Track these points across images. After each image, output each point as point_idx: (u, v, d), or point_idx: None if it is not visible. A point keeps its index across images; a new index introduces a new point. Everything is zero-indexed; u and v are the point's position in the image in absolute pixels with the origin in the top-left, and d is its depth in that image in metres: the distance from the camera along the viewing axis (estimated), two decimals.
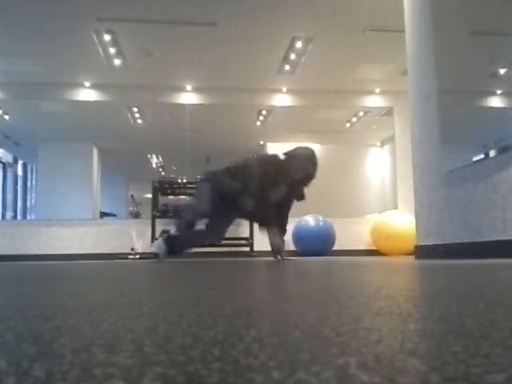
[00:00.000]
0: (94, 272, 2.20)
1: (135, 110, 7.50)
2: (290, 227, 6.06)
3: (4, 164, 8.57)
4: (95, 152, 8.01)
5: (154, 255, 3.66)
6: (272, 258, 3.78)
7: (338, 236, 6.46)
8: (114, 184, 8.77)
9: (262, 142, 8.23)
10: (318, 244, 6.26)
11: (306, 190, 3.78)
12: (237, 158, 3.86)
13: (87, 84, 6.88)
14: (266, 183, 3.57)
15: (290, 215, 3.94)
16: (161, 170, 8.69)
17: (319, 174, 3.71)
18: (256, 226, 4.28)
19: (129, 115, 7.59)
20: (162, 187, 6.61)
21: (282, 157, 3.70)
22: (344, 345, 0.37)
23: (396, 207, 7.29)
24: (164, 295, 0.90)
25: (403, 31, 4.38)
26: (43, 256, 6.38)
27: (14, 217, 8.65)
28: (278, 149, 7.83)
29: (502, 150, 3.31)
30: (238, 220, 4.28)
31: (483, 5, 3.40)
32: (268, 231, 3.68)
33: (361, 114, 7.84)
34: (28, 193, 8.84)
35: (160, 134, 8.11)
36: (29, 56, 5.99)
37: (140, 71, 6.49)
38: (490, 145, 3.55)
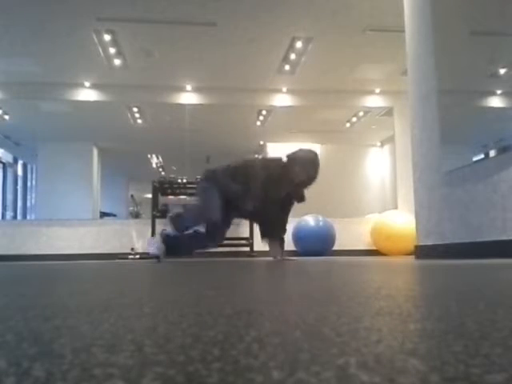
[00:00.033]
0: (94, 272, 2.20)
1: (135, 109, 7.50)
2: (290, 227, 6.07)
3: (4, 164, 8.57)
4: (95, 152, 8.01)
5: (155, 257, 3.63)
6: (271, 258, 3.78)
7: (338, 236, 6.46)
8: (114, 184, 8.77)
9: (261, 142, 8.23)
10: (318, 244, 6.26)
11: (306, 191, 3.78)
12: (238, 158, 3.84)
13: (87, 84, 6.89)
14: (270, 187, 3.54)
15: (290, 215, 3.94)
16: (161, 169, 8.69)
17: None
18: (256, 225, 4.25)
19: (129, 115, 7.59)
20: (162, 187, 6.61)
21: (284, 159, 3.69)
22: (344, 345, 0.37)
23: (396, 207, 7.29)
24: (164, 295, 0.90)
25: (403, 31, 4.38)
26: (43, 256, 6.38)
27: (14, 217, 8.65)
28: (278, 149, 7.92)
29: (501, 150, 3.31)
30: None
31: (483, 5, 3.40)
32: (269, 244, 3.67)
33: (361, 114, 7.84)
34: (28, 193, 8.84)
35: (160, 133, 8.11)
36: (29, 56, 5.99)
37: (140, 71, 6.49)
38: (490, 145, 3.55)
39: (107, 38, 5.53)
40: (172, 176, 6.90)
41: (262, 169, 3.62)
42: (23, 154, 8.66)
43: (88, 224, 6.99)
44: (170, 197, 6.83)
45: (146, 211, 7.35)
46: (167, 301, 0.76)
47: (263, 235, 3.75)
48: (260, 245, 5.62)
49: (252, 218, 4.04)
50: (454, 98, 3.84)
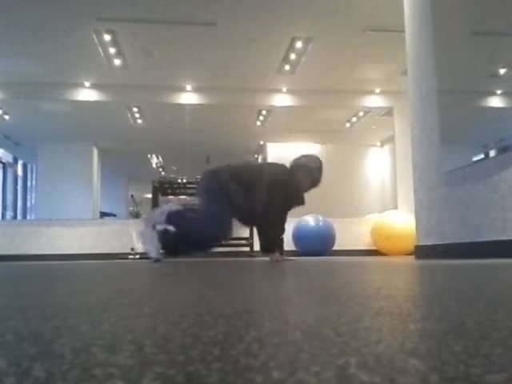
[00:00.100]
0: (94, 272, 2.20)
1: (135, 109, 7.50)
2: (290, 227, 6.07)
3: (4, 164, 8.58)
4: (95, 152, 8.01)
5: (154, 259, 3.56)
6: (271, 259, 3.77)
7: (338, 236, 6.46)
8: (114, 184, 8.78)
9: (261, 142, 8.23)
10: (318, 244, 6.26)
11: (306, 193, 3.78)
12: (238, 158, 3.82)
13: (87, 84, 6.89)
14: (274, 192, 3.51)
15: (290, 215, 3.93)
16: (161, 170, 8.69)
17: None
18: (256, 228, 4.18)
19: (129, 115, 7.59)
20: (162, 187, 6.62)
21: (288, 165, 3.69)
22: (344, 345, 0.37)
23: (396, 207, 7.29)
24: (164, 295, 0.90)
25: (403, 31, 4.38)
26: (43, 256, 6.38)
27: (14, 217, 8.65)
28: (278, 149, 7.91)
29: (501, 150, 3.31)
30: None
31: (483, 5, 3.40)
32: (269, 256, 3.65)
33: (361, 113, 7.84)
34: (28, 193, 8.84)
35: (160, 133, 8.11)
36: (29, 56, 5.99)
37: (140, 71, 6.49)
38: (490, 145, 3.54)
39: (107, 38, 5.54)
40: (172, 176, 6.91)
41: (269, 174, 3.59)
42: (23, 154, 8.66)
43: (88, 224, 6.99)
44: (170, 197, 6.83)
45: (146, 211, 7.35)
46: (167, 301, 0.76)
47: (263, 248, 3.71)
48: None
49: (251, 221, 3.98)
50: (454, 98, 3.84)
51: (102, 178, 8.12)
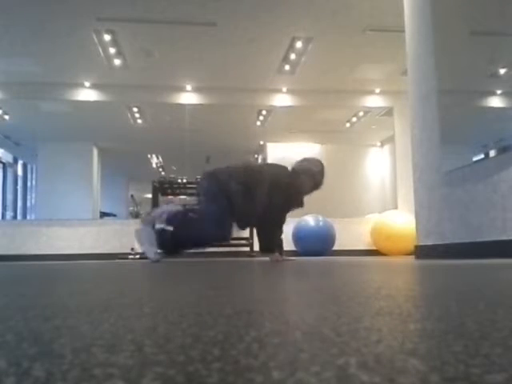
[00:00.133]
0: (94, 272, 2.20)
1: (135, 109, 7.50)
2: (290, 227, 6.07)
3: (4, 164, 8.58)
4: (95, 152, 8.01)
5: (154, 259, 3.55)
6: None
7: (338, 236, 6.46)
8: (114, 184, 8.78)
9: (261, 142, 8.23)
10: (318, 244, 6.26)
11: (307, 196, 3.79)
12: (239, 159, 3.82)
13: (87, 84, 6.89)
14: (275, 193, 3.51)
15: (289, 215, 3.93)
16: (161, 170, 8.69)
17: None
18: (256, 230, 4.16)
19: (129, 115, 7.59)
20: (162, 187, 6.62)
21: (290, 168, 3.69)
22: (344, 345, 0.37)
23: (396, 207, 7.29)
24: (164, 295, 0.90)
25: (403, 31, 4.38)
26: (43, 256, 6.38)
27: (14, 217, 8.65)
28: (278, 149, 7.91)
29: (501, 150, 3.31)
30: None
31: (483, 5, 3.40)
32: (269, 256, 3.65)
33: (361, 114, 7.84)
34: (28, 193, 8.84)
35: (160, 133, 8.11)
36: (29, 56, 5.99)
37: (140, 71, 6.49)
38: (490, 145, 3.54)
39: (107, 38, 5.54)
40: (172, 176, 6.91)
41: (271, 175, 3.59)
42: (23, 154, 8.66)
43: (88, 224, 6.99)
44: (170, 197, 6.83)
45: (146, 211, 7.34)
46: (167, 301, 0.76)
47: (263, 248, 3.72)
48: None
49: (250, 222, 3.97)
50: (454, 98, 3.84)
51: (102, 177, 8.12)
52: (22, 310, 0.65)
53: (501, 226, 3.02)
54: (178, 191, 6.80)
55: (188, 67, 6.52)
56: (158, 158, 8.78)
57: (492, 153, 3.50)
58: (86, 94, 6.97)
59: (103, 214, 7.97)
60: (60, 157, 7.78)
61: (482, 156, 3.60)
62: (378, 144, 8.43)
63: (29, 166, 8.86)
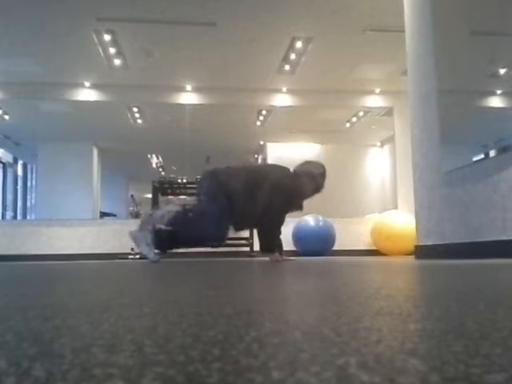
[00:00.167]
0: (94, 272, 2.20)
1: (135, 109, 7.50)
2: (290, 227, 6.07)
3: (4, 164, 8.58)
4: (95, 152, 8.02)
5: (154, 259, 3.55)
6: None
7: (338, 236, 6.46)
8: (114, 184, 8.78)
9: (262, 142, 8.23)
10: (318, 244, 6.26)
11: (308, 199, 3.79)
12: (239, 159, 3.82)
13: (87, 84, 6.89)
14: (275, 194, 3.51)
15: (290, 215, 3.93)
16: (161, 170, 8.69)
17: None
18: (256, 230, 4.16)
19: (129, 115, 7.59)
20: (162, 187, 6.62)
21: (292, 169, 3.69)
22: (344, 345, 0.37)
23: (396, 207, 7.29)
24: (164, 295, 0.90)
25: (403, 31, 4.38)
26: (43, 256, 6.38)
27: (14, 217, 8.65)
28: (278, 149, 7.90)
29: (501, 150, 3.31)
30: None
31: (483, 5, 3.40)
32: (269, 256, 3.65)
33: (361, 113, 7.84)
34: (28, 193, 8.84)
35: (160, 133, 8.11)
36: (29, 56, 5.99)
37: (140, 71, 6.49)
38: (490, 145, 3.54)
39: (107, 38, 5.54)
40: (172, 176, 6.91)
41: (272, 176, 3.58)
42: (23, 154, 8.67)
43: (88, 224, 6.99)
44: (170, 197, 6.83)
45: (146, 211, 7.34)
46: (167, 301, 0.76)
47: (263, 248, 3.72)
48: None
49: (248, 222, 3.97)
50: (454, 98, 3.84)
51: (102, 177, 8.12)
52: (21, 310, 0.65)
53: (501, 226, 3.02)
54: (178, 191, 6.80)
55: (188, 67, 6.52)
56: (158, 158, 8.78)
57: (492, 153, 3.50)
58: (86, 93, 6.97)
59: (103, 214, 7.97)
60: (60, 157, 7.78)
61: (482, 156, 3.60)
62: (378, 144, 8.43)
63: (29, 166, 8.86)
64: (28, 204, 8.85)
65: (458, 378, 0.27)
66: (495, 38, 3.38)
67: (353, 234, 7.00)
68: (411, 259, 3.75)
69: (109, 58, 6.01)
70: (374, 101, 7.47)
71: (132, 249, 6.49)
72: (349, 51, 5.96)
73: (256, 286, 1.17)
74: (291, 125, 8.06)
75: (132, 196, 9.08)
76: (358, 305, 0.65)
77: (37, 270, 2.49)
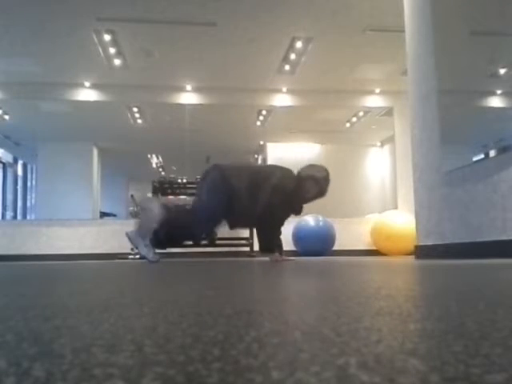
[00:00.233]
0: (94, 272, 2.20)
1: (135, 109, 7.50)
2: (290, 227, 6.07)
3: (4, 164, 8.58)
4: (95, 152, 8.01)
5: (153, 259, 3.56)
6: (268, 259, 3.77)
7: (338, 236, 6.46)
8: (114, 184, 8.78)
9: (261, 142, 8.23)
10: (318, 244, 6.26)
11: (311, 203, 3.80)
12: (239, 159, 3.83)
13: (87, 84, 6.89)
14: (276, 196, 3.51)
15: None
16: (161, 170, 8.69)
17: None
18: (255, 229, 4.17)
19: (129, 115, 7.59)
20: (162, 187, 6.62)
21: (295, 172, 3.69)
22: (344, 345, 0.37)
23: (396, 207, 7.29)
24: (164, 295, 0.90)
25: (403, 31, 4.38)
26: (43, 256, 6.38)
27: (14, 217, 8.65)
28: (278, 149, 7.90)
29: (501, 150, 3.31)
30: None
31: (483, 5, 3.40)
32: (269, 256, 3.65)
33: (361, 113, 7.84)
34: (28, 193, 8.84)
35: (160, 133, 8.11)
36: (29, 56, 5.99)
37: (140, 71, 6.49)
38: (490, 145, 3.54)
39: (107, 38, 5.54)
40: (172, 176, 6.91)
41: (276, 178, 3.58)
42: (23, 154, 8.66)
43: (88, 224, 6.99)
44: (170, 197, 6.83)
45: None
46: (167, 301, 0.76)
47: (263, 248, 3.72)
48: None
49: (247, 221, 3.97)
50: (454, 98, 3.84)
51: (102, 177, 8.12)
52: (21, 310, 0.65)
53: (501, 226, 3.02)
54: (177, 191, 6.80)
55: (188, 67, 6.52)
56: (158, 158, 8.78)
57: (492, 153, 3.50)
58: (86, 93, 6.97)
59: (103, 214, 7.97)
60: (60, 157, 7.78)
61: (482, 156, 3.60)
62: (378, 144, 8.43)
63: (29, 166, 8.86)
64: (28, 204, 8.85)
65: (457, 378, 0.27)
66: (495, 37, 3.38)
67: (353, 234, 7.00)
68: (411, 259, 3.75)
69: (109, 58, 6.01)
70: (374, 101, 7.47)
71: (132, 249, 6.49)
72: (349, 51, 5.96)
73: (256, 286, 1.17)
74: (291, 125, 8.06)
75: (132, 196, 9.08)
76: (358, 305, 0.65)
77: (37, 270, 2.49)
